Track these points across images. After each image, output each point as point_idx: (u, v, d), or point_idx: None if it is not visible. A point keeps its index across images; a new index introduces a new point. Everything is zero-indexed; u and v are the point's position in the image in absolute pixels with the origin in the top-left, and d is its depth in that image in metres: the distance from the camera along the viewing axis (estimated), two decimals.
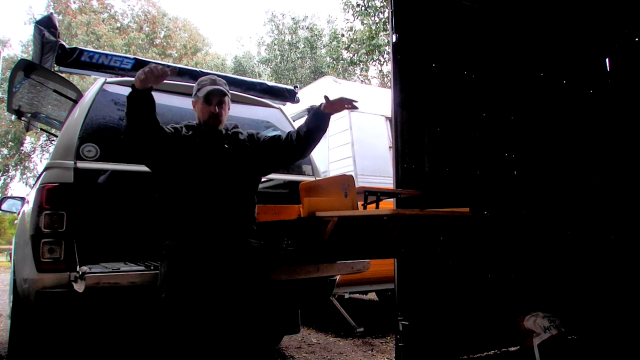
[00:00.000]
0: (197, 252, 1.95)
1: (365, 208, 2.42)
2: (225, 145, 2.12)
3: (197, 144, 2.07)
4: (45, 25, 2.94)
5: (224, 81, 2.22)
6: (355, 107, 2.17)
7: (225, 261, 1.97)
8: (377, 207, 2.56)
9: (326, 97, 2.11)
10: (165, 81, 2.77)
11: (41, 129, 6.53)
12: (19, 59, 3.99)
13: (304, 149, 2.20)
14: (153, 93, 1.93)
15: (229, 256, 1.98)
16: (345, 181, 2.23)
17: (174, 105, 2.72)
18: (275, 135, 2.26)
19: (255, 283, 2.02)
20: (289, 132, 2.22)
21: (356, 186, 2.25)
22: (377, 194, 2.47)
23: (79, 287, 1.99)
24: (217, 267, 1.96)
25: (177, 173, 2.04)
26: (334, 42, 16.88)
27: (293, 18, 20.09)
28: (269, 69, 19.60)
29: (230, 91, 2.25)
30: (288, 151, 2.19)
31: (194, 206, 2.00)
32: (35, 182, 2.67)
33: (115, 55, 3.11)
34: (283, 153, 2.21)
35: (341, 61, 16.94)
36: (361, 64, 16.21)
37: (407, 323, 2.60)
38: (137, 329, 2.38)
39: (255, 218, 2.18)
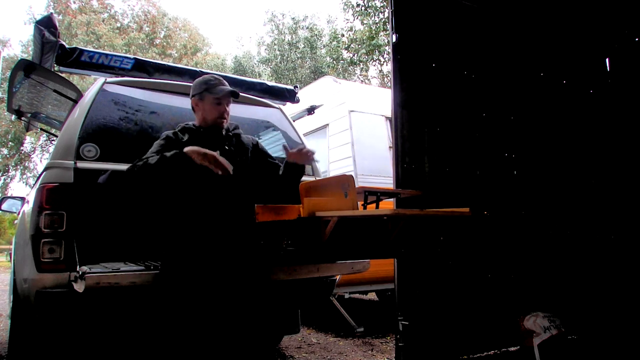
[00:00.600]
0: (197, 252, 1.95)
1: (365, 208, 2.42)
2: (226, 147, 2.12)
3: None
4: (45, 25, 2.94)
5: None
6: (313, 160, 2.31)
7: (225, 261, 1.97)
8: (377, 207, 2.56)
9: (285, 147, 2.22)
10: (165, 81, 2.76)
11: (41, 129, 6.53)
12: (19, 59, 3.99)
13: (283, 187, 2.34)
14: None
15: (229, 256, 1.98)
16: (345, 181, 2.22)
17: (174, 105, 2.72)
18: (278, 165, 2.35)
19: (255, 283, 2.02)
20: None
21: (356, 186, 2.25)
22: (377, 194, 2.47)
23: (79, 287, 1.99)
24: (217, 267, 1.96)
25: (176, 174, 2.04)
26: (334, 42, 16.88)
27: (293, 18, 20.10)
28: (269, 69, 19.60)
29: None
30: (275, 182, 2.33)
31: (194, 206, 2.01)
32: (35, 182, 2.67)
33: (115, 55, 3.10)
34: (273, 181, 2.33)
35: (341, 61, 16.94)
36: (361, 64, 16.21)
37: (407, 323, 2.60)
38: (137, 329, 2.38)
39: (255, 218, 2.18)
